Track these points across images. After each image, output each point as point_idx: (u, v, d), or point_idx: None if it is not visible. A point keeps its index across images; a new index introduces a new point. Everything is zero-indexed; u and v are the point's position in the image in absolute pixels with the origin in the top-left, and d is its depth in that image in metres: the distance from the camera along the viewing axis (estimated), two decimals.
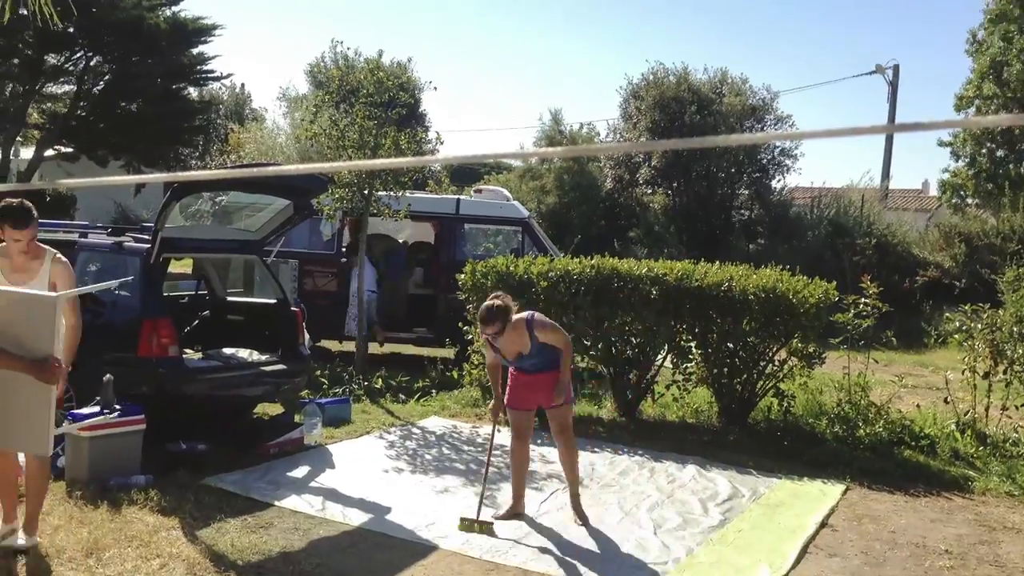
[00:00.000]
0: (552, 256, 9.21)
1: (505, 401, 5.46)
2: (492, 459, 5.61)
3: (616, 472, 6.52)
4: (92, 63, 21.29)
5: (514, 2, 79.81)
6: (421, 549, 4.82)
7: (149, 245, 6.42)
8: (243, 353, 7.18)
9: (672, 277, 7.67)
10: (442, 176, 24.44)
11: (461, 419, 7.94)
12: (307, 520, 5.18)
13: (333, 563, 4.55)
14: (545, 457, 6.79)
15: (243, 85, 47.46)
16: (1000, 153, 23.70)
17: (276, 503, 5.43)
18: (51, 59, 20.70)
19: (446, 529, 5.11)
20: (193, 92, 25.61)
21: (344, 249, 11.06)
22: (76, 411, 5.62)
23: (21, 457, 4.57)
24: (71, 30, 18.28)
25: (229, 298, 8.15)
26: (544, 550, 4.89)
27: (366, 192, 9.16)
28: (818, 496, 6.12)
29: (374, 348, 10.28)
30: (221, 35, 29.36)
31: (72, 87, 21.81)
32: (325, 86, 18.49)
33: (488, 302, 5.21)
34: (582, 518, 5.36)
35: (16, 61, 20.08)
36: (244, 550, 4.62)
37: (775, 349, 7.71)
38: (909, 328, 13.38)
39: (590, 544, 5.01)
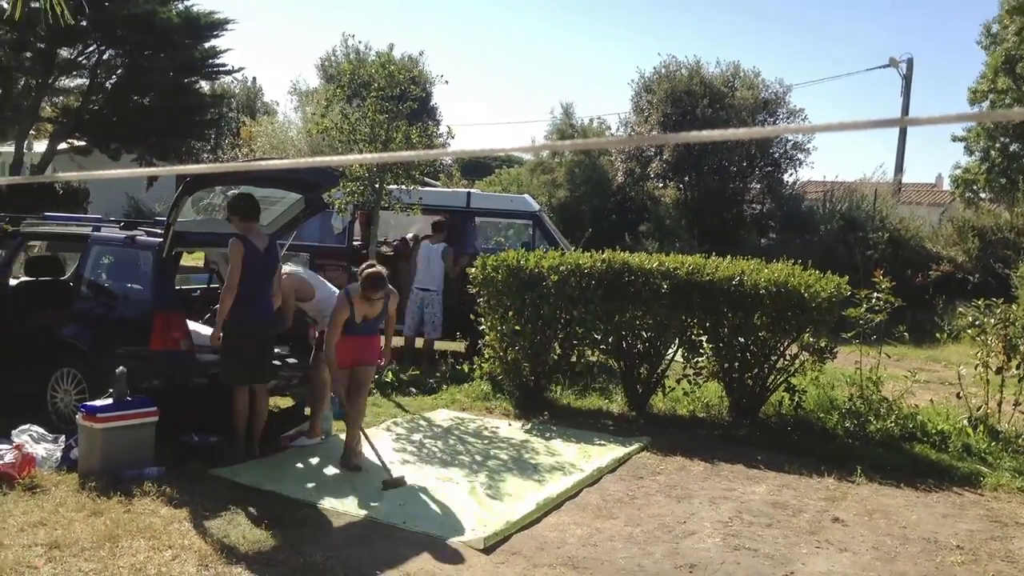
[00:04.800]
0: (563, 250, 9.20)
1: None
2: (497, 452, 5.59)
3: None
4: (105, 57, 21.41)
5: None
6: (429, 541, 4.83)
7: (161, 239, 6.45)
8: None
9: (683, 271, 7.65)
10: (453, 170, 24.48)
11: (471, 412, 7.95)
12: (317, 512, 5.21)
13: (343, 555, 4.57)
14: (551, 449, 6.80)
15: (254, 79, 47.84)
16: (1014, 147, 23.53)
17: (287, 495, 5.46)
18: (64, 53, 20.83)
19: (454, 521, 5.12)
20: (205, 86, 25.76)
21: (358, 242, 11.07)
22: (88, 403, 5.66)
23: None
24: (84, 24, 18.36)
25: None
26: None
27: (377, 186, 9.17)
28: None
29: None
30: (233, 29, 29.44)
31: (85, 81, 21.94)
32: (336, 80, 18.50)
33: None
34: None
35: (29, 55, 20.20)
36: (255, 542, 4.65)
37: (786, 344, 7.69)
38: (922, 323, 13.28)
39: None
